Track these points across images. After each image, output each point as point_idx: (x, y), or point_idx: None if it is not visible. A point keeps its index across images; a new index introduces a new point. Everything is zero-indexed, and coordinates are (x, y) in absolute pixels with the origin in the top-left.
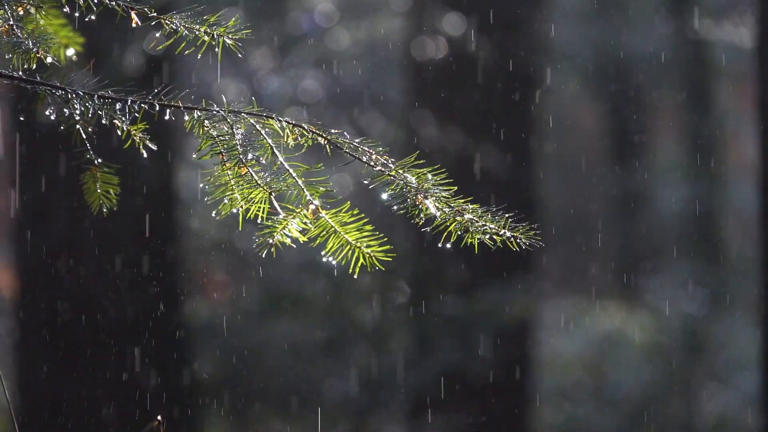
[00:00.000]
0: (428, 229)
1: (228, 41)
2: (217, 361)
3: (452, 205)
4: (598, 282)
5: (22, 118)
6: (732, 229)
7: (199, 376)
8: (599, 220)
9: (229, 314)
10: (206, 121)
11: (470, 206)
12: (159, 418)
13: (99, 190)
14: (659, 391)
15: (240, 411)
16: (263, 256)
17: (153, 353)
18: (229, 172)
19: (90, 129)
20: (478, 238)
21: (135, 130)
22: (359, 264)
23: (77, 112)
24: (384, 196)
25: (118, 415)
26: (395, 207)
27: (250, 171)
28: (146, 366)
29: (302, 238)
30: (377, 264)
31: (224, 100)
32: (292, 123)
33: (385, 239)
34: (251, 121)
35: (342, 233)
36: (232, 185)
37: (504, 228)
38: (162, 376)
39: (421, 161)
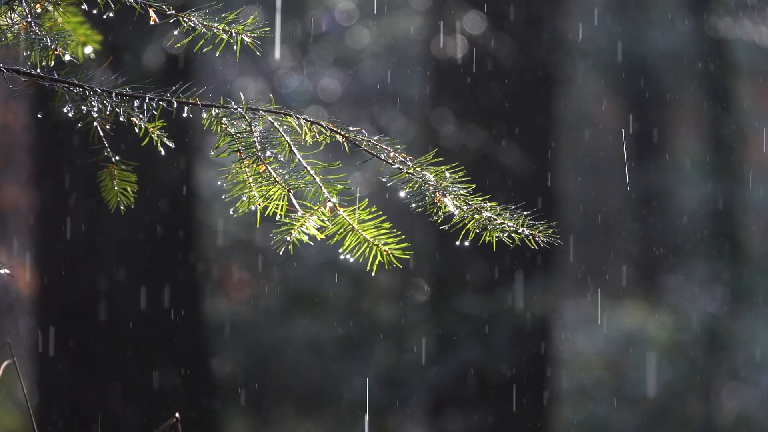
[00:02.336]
0: (447, 226)
1: (246, 39)
2: (237, 360)
3: (470, 203)
4: (619, 280)
5: (39, 116)
6: (752, 227)
7: (219, 374)
8: (620, 218)
9: (250, 312)
10: (224, 119)
11: (488, 204)
12: (176, 415)
13: (116, 188)
14: (679, 389)
15: (260, 409)
16: (281, 253)
17: (173, 351)
18: (247, 170)
19: (107, 126)
20: (497, 236)
21: (153, 127)
22: (377, 261)
23: (95, 109)
24: (402, 193)
25: (137, 414)
26: (413, 205)
27: (268, 168)
28: (166, 364)
29: (320, 236)
30: (395, 261)
31: (242, 97)
32: (310, 120)
33: (403, 237)
34: (269, 118)
35: (360, 231)
36: (250, 183)
37: (522, 226)
38: (182, 374)
39: (439, 159)
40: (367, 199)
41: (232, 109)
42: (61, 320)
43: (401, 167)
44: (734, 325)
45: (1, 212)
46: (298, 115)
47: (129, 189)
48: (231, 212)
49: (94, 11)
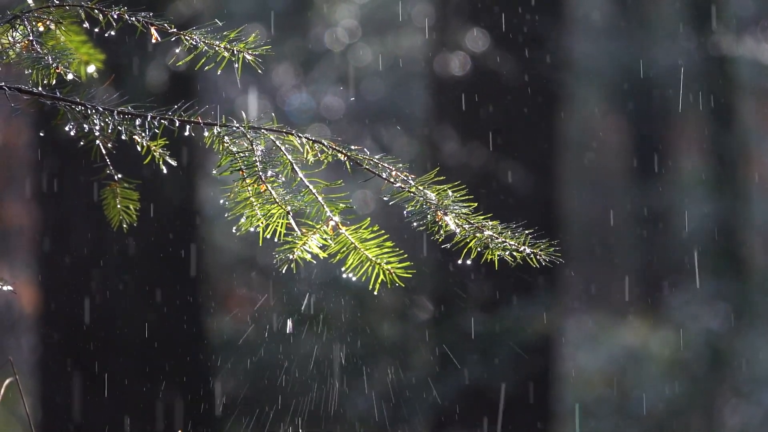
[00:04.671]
0: (448, 245)
1: (248, 57)
2: (239, 377)
3: (472, 221)
4: (621, 297)
5: (42, 134)
6: (755, 244)
7: (221, 392)
8: (622, 235)
9: (252, 330)
10: (226, 137)
11: (490, 223)
12: None
13: (119, 206)
14: (682, 407)
15: (262, 427)
16: (284, 271)
17: (176, 368)
18: (249, 189)
19: (110, 145)
20: (498, 255)
21: (155, 145)
22: (379, 280)
23: (96, 127)
24: (404, 212)
25: (139, 431)
26: (415, 223)
27: (269, 188)
28: (169, 381)
29: (322, 255)
30: (397, 280)
31: (244, 116)
32: (311, 139)
33: (405, 255)
34: (271, 137)
35: (362, 249)
36: (252, 202)
37: (524, 244)
38: (184, 392)
39: (441, 178)
40: (369, 218)
41: (234, 128)
42: (64, 337)
43: (403, 186)
44: (737, 342)
45: (4, 229)
46: (300, 134)
47: (132, 207)
48: (234, 231)
49: (96, 30)
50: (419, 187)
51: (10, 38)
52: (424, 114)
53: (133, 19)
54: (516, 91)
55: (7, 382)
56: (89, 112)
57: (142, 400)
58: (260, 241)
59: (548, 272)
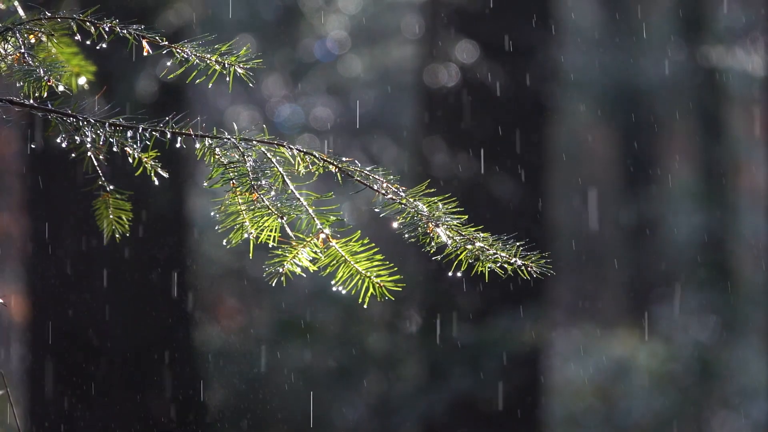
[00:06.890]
0: (439, 257)
1: (239, 70)
2: (228, 387)
3: (463, 233)
4: (610, 309)
5: (33, 146)
6: (743, 256)
7: (210, 402)
8: (611, 247)
9: (241, 340)
10: (217, 149)
11: (481, 234)
12: None
13: (111, 216)
14: (670, 418)
15: None
16: (273, 284)
17: (164, 378)
18: (240, 200)
19: (101, 156)
20: (489, 267)
21: (146, 157)
22: (369, 293)
23: (88, 139)
24: (395, 224)
25: None
26: (406, 235)
27: (261, 197)
28: (158, 391)
29: (312, 267)
30: (387, 294)
31: (235, 127)
32: (302, 151)
33: (395, 269)
34: (262, 149)
35: (352, 263)
36: (242, 212)
37: (515, 256)
38: (173, 402)
39: (432, 190)
40: (359, 231)
41: (225, 140)
42: (53, 347)
43: (394, 197)
44: (725, 354)
45: None
46: (291, 146)
47: (124, 217)
48: (224, 243)
49: (88, 42)
50: (410, 199)
51: (1, 50)
52: (413, 125)
53: (125, 31)
54: (505, 102)
55: None
56: (81, 123)
57: (131, 409)
58: (251, 253)
59: (537, 283)
